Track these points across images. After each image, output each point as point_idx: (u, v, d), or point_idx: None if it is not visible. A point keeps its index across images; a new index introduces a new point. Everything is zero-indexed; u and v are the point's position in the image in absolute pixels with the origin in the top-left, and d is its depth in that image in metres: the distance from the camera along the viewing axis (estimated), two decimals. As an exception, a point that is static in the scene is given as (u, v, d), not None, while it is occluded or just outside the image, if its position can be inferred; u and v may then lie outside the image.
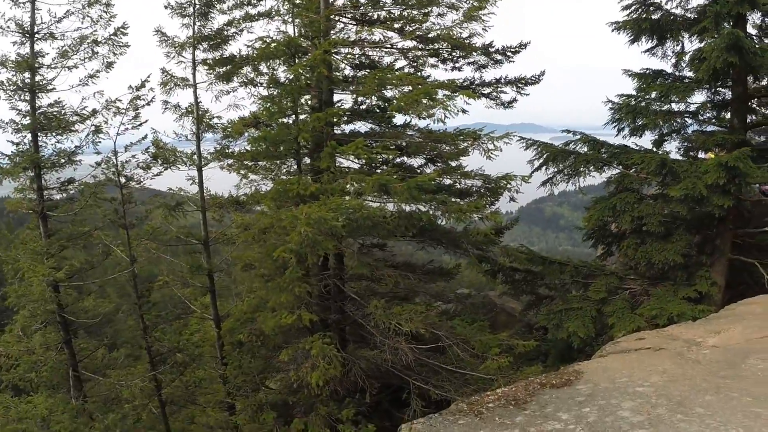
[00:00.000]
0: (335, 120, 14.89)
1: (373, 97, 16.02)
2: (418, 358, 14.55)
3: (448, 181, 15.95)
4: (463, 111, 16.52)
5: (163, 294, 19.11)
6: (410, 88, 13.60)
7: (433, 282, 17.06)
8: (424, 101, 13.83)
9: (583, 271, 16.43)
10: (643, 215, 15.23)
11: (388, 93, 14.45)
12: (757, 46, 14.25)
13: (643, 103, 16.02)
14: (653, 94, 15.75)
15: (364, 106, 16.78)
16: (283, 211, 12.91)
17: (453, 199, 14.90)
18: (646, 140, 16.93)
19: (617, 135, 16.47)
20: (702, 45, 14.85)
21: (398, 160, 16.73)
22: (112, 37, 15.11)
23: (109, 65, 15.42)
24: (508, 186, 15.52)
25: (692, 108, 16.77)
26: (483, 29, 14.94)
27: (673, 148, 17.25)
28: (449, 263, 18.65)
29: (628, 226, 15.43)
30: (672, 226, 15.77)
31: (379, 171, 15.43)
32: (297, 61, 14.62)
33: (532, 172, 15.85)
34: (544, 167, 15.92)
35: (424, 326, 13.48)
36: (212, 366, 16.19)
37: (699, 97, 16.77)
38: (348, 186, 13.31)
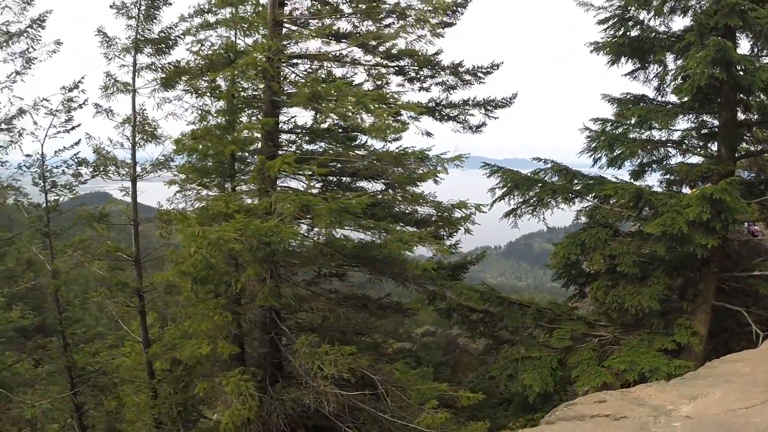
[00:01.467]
0: (267, 133, 12.11)
1: (332, 115, 13.26)
2: (355, 404, 11.60)
3: (407, 210, 13.10)
4: (428, 134, 14.03)
5: (93, 312, 16.36)
6: (353, 102, 10.78)
7: (384, 318, 13.98)
8: (390, 122, 11.24)
9: (548, 315, 13.22)
10: (615, 254, 12.12)
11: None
12: (748, 60, 11.16)
13: (620, 130, 12.94)
14: (633, 120, 12.64)
15: (325, 125, 13.99)
16: (184, 228, 10.10)
17: (401, 228, 12.01)
18: (626, 173, 13.88)
19: (593, 166, 13.41)
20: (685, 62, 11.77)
21: (357, 184, 13.91)
22: (27, 29, 12.57)
23: (29, 61, 12.86)
24: (466, 215, 12.63)
25: (676, 137, 13.66)
26: (433, 35, 12.06)
27: (654, 181, 14.13)
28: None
29: (599, 266, 12.31)
30: (649, 268, 12.58)
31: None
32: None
33: (494, 202, 12.79)
34: (508, 197, 12.81)
35: (349, 370, 10.53)
36: (139, 392, 13.31)
37: (684, 125, 13.72)
38: (273, 206, 10.48)
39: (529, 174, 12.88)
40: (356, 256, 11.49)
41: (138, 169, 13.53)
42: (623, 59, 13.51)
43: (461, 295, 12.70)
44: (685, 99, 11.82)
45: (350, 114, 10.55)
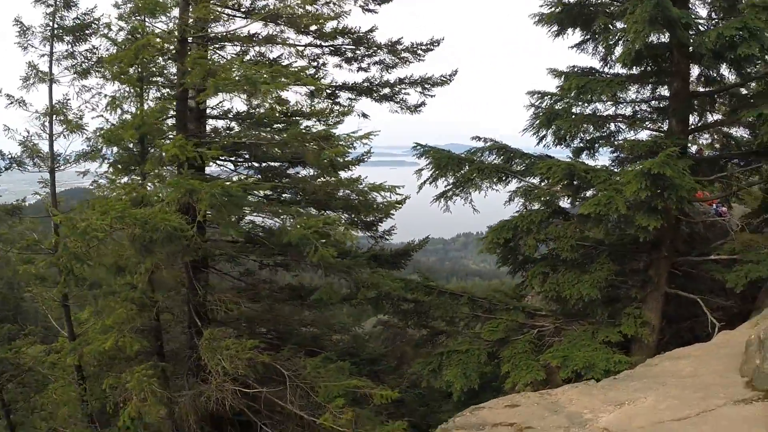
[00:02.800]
0: (179, 117, 11.15)
1: (268, 100, 12.25)
2: (272, 399, 10.57)
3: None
4: (364, 115, 12.90)
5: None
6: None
7: (318, 309, 12.85)
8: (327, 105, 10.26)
9: (484, 305, 11.85)
10: (552, 238, 10.76)
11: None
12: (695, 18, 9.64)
13: (560, 105, 11.51)
14: (573, 93, 11.19)
15: (262, 110, 12.94)
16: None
17: (315, 212, 10.97)
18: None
19: (538, 144, 11.94)
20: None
21: (291, 171, 12.88)
22: None
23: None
24: (397, 200, 11.51)
25: (629, 111, 12.14)
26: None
27: (607, 159, 12.63)
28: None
29: (533, 252, 10.91)
30: (593, 252, 11.18)
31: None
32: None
33: (422, 185, 11.46)
34: (438, 179, 11.40)
35: (246, 366, 9.51)
36: (64, 389, 12.48)
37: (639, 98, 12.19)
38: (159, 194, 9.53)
39: (462, 154, 11.52)
40: (265, 244, 10.48)
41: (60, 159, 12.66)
42: (570, 30, 12.06)
43: (374, 283, 11.37)
44: (629, 67, 10.45)
45: (237, 90, 9.43)
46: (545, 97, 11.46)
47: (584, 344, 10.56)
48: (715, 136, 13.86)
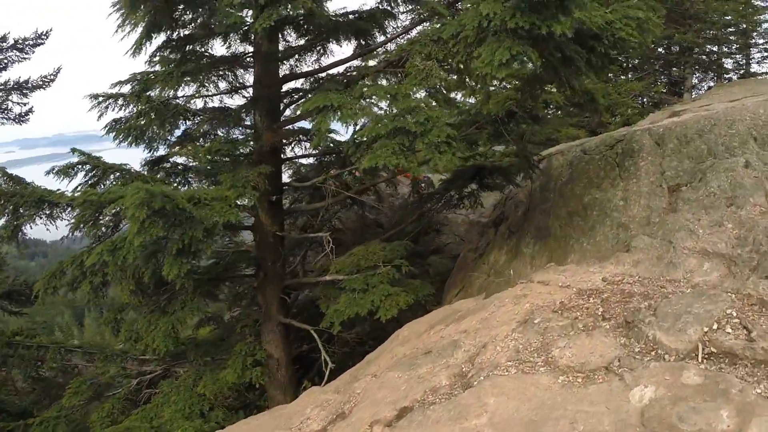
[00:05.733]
0: None
1: None
2: None
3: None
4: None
5: None
6: None
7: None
8: None
9: (82, 354, 9.79)
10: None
11: None
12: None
13: (128, 108, 8.92)
14: (127, 87, 8.61)
15: None
16: None
17: None
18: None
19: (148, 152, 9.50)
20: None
21: None
22: None
23: None
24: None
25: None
26: None
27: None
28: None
29: (92, 298, 8.64)
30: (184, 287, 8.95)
31: None
32: None
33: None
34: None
35: None
36: None
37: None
38: None
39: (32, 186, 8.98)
40: None
41: None
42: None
43: None
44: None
45: None
46: (108, 100, 8.88)
47: (179, 399, 8.56)
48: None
